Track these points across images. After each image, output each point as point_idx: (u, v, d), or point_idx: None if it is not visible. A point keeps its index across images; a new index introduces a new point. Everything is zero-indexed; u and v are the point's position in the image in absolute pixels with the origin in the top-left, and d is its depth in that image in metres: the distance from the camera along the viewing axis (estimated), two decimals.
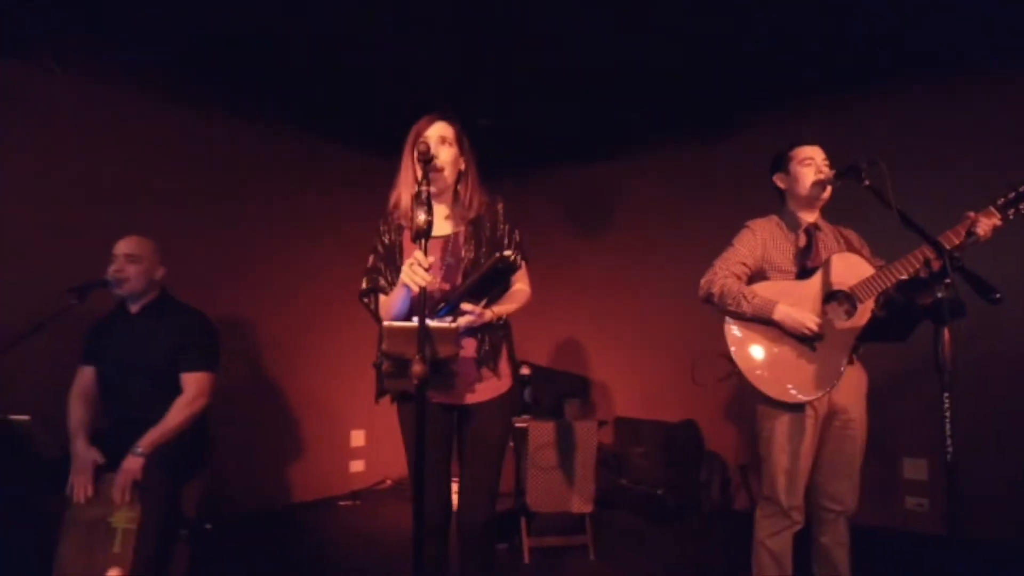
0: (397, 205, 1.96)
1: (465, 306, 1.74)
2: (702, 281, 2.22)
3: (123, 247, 2.56)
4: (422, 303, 1.56)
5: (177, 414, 2.45)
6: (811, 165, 2.17)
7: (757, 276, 2.21)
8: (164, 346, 2.51)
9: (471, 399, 1.88)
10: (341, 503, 4.41)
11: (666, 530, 3.73)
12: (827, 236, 2.21)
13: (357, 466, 4.77)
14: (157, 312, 2.60)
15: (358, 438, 4.79)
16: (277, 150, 4.36)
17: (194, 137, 3.89)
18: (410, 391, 1.56)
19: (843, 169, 2.00)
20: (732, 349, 2.10)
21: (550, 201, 5.29)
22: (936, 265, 1.72)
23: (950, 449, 1.58)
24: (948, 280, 1.59)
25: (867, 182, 1.86)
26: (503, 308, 1.90)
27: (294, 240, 4.42)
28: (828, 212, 2.28)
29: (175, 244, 2.90)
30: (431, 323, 1.63)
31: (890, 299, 1.62)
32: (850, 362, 2.08)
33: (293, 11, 3.07)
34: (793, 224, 2.23)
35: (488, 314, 1.81)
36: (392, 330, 1.61)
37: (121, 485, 2.26)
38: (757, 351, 2.09)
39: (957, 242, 1.88)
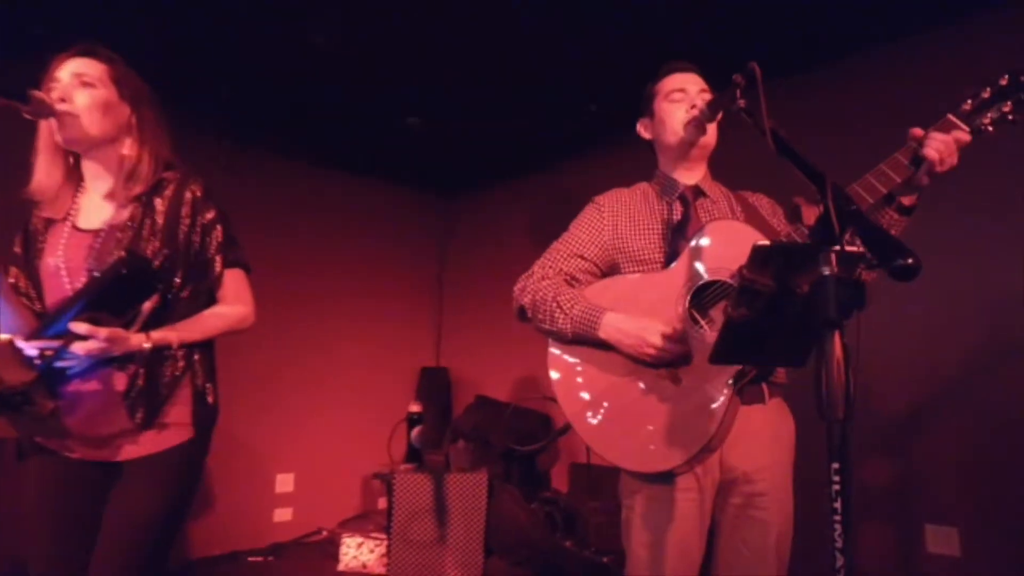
0: (38, 190, 1.40)
1: (77, 326, 1.14)
2: (515, 288, 1.53)
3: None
4: None
5: None
6: (681, 100, 1.46)
7: (612, 273, 1.50)
8: None
9: (124, 455, 1.25)
10: (251, 559, 3.78)
11: None
12: (716, 204, 1.48)
13: (283, 515, 4.14)
14: None
15: (285, 483, 4.18)
16: None
17: None
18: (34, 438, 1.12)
19: (717, 97, 1.30)
20: (555, 387, 1.39)
21: (513, 212, 4.64)
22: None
23: (839, 548, 0.82)
24: (839, 246, 0.85)
25: (742, 102, 1.14)
26: (178, 334, 1.33)
27: None
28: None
29: None
30: None
31: (748, 286, 0.89)
32: (755, 398, 1.33)
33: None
34: (665, 190, 1.51)
35: (136, 340, 1.23)
36: None
37: None
38: (589, 390, 1.38)
39: (898, 180, 1.14)
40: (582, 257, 1.52)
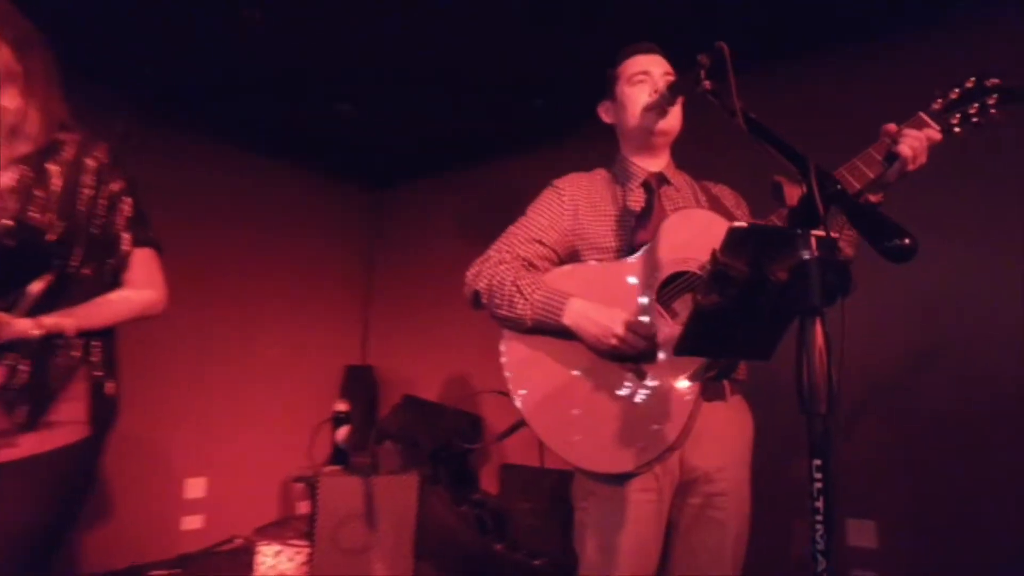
0: None
1: None
2: (468, 274, 1.43)
3: None
4: None
5: None
6: (644, 82, 1.40)
7: (571, 261, 1.42)
8: None
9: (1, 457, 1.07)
10: (155, 572, 3.49)
11: None
12: (680, 193, 1.43)
13: (192, 523, 3.84)
14: None
15: (196, 488, 3.88)
16: None
17: None
18: None
19: (679, 79, 1.25)
20: (509, 381, 1.30)
21: (447, 207, 4.52)
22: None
23: (821, 551, 0.77)
24: (822, 228, 0.80)
25: (707, 84, 1.09)
26: (75, 320, 1.16)
27: None
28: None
29: None
30: None
31: (721, 271, 0.83)
32: (716, 395, 1.28)
33: None
34: (627, 177, 1.45)
35: (22, 326, 1.08)
36: None
37: None
38: (546, 384, 1.29)
39: (871, 176, 1.11)
40: (541, 243, 1.44)
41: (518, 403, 1.31)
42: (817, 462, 0.75)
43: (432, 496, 3.05)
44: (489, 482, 3.82)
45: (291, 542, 3.01)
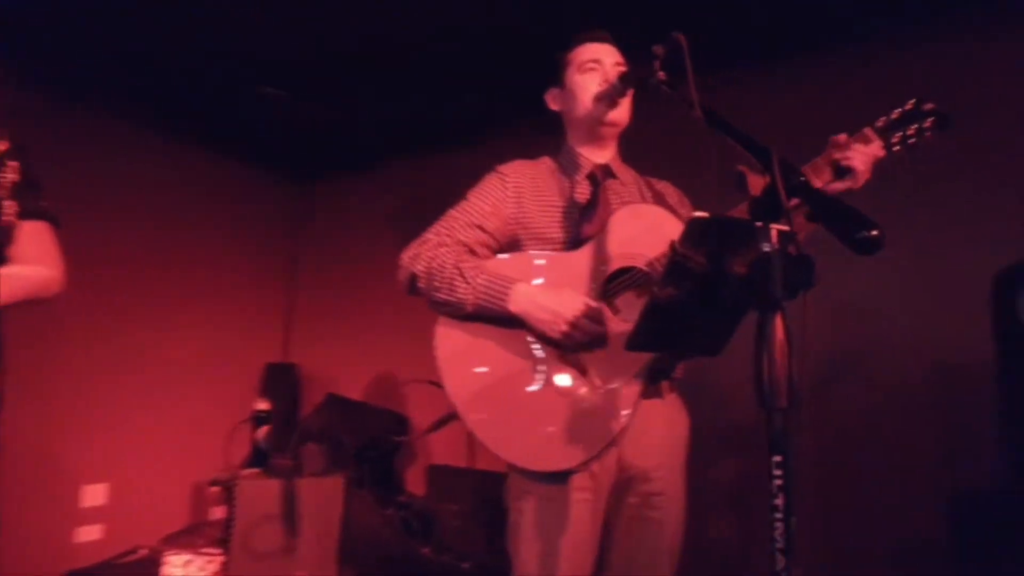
0: None
1: None
2: (403, 256, 1.36)
3: None
4: None
5: None
6: (595, 70, 1.38)
7: (511, 250, 1.38)
8: None
9: None
10: None
11: None
12: (626, 188, 1.41)
13: (89, 533, 3.54)
14: None
15: (94, 495, 3.58)
16: None
17: None
18: None
19: (631, 69, 1.23)
20: (443, 371, 1.24)
21: (377, 201, 4.38)
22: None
23: (780, 549, 0.76)
24: (785, 222, 0.79)
25: (661, 75, 1.07)
26: None
27: None
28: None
29: None
30: None
31: (679, 264, 0.81)
32: (654, 393, 1.27)
33: None
34: (573, 167, 1.42)
35: None
36: None
37: None
38: (483, 376, 1.25)
39: (819, 185, 1.12)
40: (482, 229, 1.38)
41: (451, 395, 1.25)
42: (777, 458, 0.73)
43: (357, 498, 2.94)
44: (415, 483, 3.73)
45: (203, 550, 2.83)
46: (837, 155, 1.17)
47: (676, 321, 0.94)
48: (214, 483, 2.45)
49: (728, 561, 2.81)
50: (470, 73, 3.27)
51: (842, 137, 1.19)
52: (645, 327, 0.95)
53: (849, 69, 2.77)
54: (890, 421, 2.55)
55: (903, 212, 2.50)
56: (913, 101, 1.21)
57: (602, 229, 1.30)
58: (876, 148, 1.18)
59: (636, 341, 0.98)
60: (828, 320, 2.64)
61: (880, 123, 1.21)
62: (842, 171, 1.15)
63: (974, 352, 2.12)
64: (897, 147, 1.19)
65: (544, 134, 1.56)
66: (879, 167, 1.19)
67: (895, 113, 1.20)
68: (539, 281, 1.27)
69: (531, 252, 1.35)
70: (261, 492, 2.32)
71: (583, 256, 1.30)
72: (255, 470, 2.65)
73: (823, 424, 2.56)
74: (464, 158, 4.26)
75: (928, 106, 1.21)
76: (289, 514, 2.32)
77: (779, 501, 0.73)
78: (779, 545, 0.73)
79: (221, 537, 2.32)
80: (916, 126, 1.20)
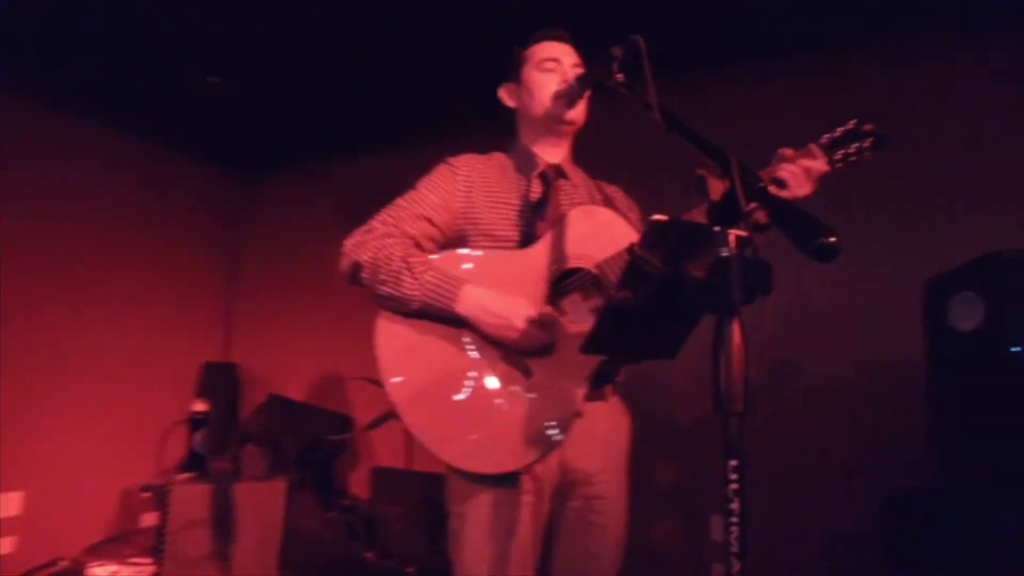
0: None
1: None
2: (347, 243, 1.32)
3: None
4: None
5: None
6: (554, 70, 1.37)
7: (458, 246, 1.35)
8: None
9: None
10: None
11: None
12: (577, 190, 1.41)
13: (3, 545, 3.32)
14: None
15: (8, 505, 3.35)
16: None
17: None
18: None
19: (590, 71, 1.23)
20: (382, 368, 1.20)
21: (323, 197, 4.26)
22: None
23: (735, 553, 0.76)
24: (744, 228, 0.79)
25: (619, 77, 1.07)
26: None
27: None
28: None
29: None
30: None
31: (636, 267, 0.81)
32: (597, 396, 1.26)
33: None
34: (525, 165, 1.41)
35: None
36: None
37: None
38: (425, 375, 1.22)
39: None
40: (430, 221, 1.34)
41: (391, 393, 1.21)
42: (733, 463, 0.73)
43: (299, 502, 2.85)
44: (359, 486, 3.65)
45: (131, 560, 2.69)
46: (778, 167, 1.20)
47: (633, 324, 0.94)
48: (145, 489, 2.32)
49: (670, 562, 2.86)
50: (418, 70, 3.23)
51: (789, 151, 1.22)
52: (601, 330, 0.94)
53: (808, 78, 2.85)
54: (824, 421, 2.64)
55: (840, 222, 2.59)
56: (854, 121, 1.25)
57: (551, 229, 1.29)
58: (821, 164, 1.21)
59: (592, 344, 0.97)
60: (767, 322, 2.70)
61: (824, 140, 1.24)
62: (778, 182, 1.17)
63: (905, 355, 2.21)
64: (839, 163, 1.23)
65: (495, 134, 1.54)
66: (823, 181, 1.24)
67: (838, 131, 1.25)
68: (485, 279, 1.25)
69: (479, 250, 1.32)
70: (196, 497, 2.22)
71: (531, 255, 1.28)
72: (191, 475, 2.53)
73: (757, 424, 2.61)
74: (411, 157, 4.20)
75: (867, 127, 1.25)
76: (226, 520, 2.22)
77: (735, 506, 0.73)
78: (734, 549, 0.73)
79: (152, 546, 2.20)
80: (857, 145, 1.24)
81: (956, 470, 1.90)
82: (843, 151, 1.23)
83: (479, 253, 1.32)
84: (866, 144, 1.25)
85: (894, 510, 2.07)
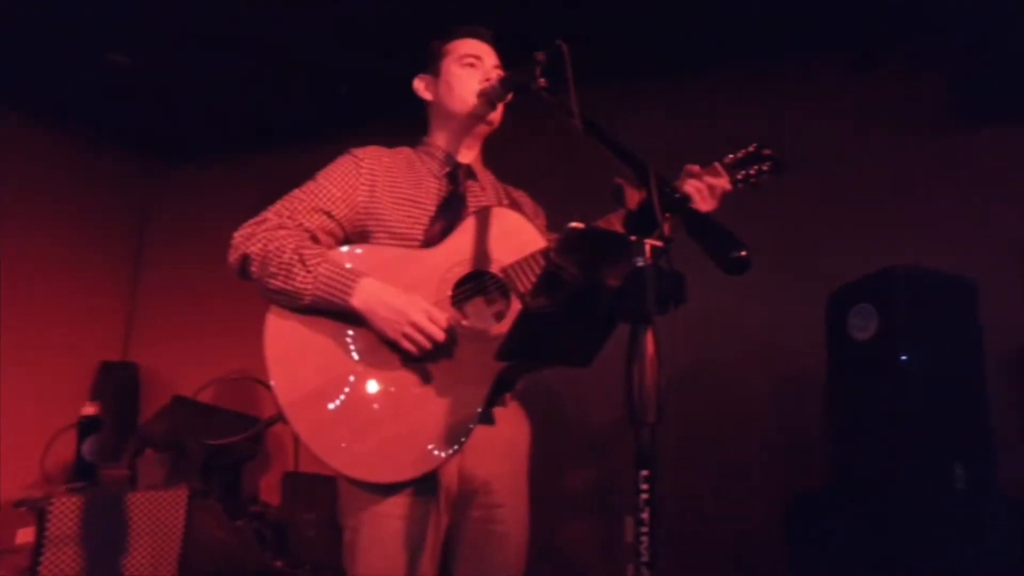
0: None
1: None
2: (236, 235, 1.26)
3: None
4: None
5: None
6: (475, 66, 1.35)
7: (357, 242, 1.30)
8: None
9: None
10: None
11: None
12: (484, 192, 1.39)
13: None
14: None
15: None
16: None
17: None
18: None
19: (512, 74, 1.22)
20: (271, 367, 1.15)
21: (237, 192, 4.03)
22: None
23: (645, 562, 0.76)
24: (658, 238, 0.80)
25: (542, 81, 1.06)
26: None
27: None
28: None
29: None
30: None
31: (553, 274, 0.80)
32: (498, 403, 1.24)
33: None
34: (433, 162, 1.38)
35: None
36: None
37: None
38: (316, 376, 1.16)
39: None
40: (328, 215, 1.28)
41: (278, 393, 1.14)
42: (644, 473, 0.73)
43: (203, 511, 2.69)
44: (270, 492, 3.50)
45: None
46: (684, 181, 1.23)
47: (548, 331, 0.93)
48: (20, 504, 2.11)
49: (588, 562, 2.89)
50: (336, 66, 3.14)
51: (695, 167, 1.25)
52: (516, 336, 0.93)
53: (729, 93, 2.96)
54: (730, 426, 2.74)
55: (750, 238, 2.70)
56: (755, 145, 1.31)
57: (457, 230, 1.26)
58: (724, 182, 1.25)
59: (509, 350, 0.95)
60: (678, 330, 2.79)
61: (728, 160, 1.28)
62: (684, 196, 1.20)
63: (807, 362, 2.32)
64: (740, 183, 1.28)
65: (412, 132, 1.50)
66: (726, 199, 1.28)
67: (740, 153, 1.29)
68: (385, 278, 1.20)
69: (380, 246, 1.27)
70: (83, 510, 2.04)
71: (434, 256, 1.25)
72: (79, 484, 2.33)
73: (665, 428, 2.68)
74: (324, 153, 4.06)
75: (767, 151, 1.31)
76: (118, 534, 2.06)
77: (645, 515, 0.73)
78: (644, 559, 0.72)
79: (28, 566, 2.00)
80: (757, 167, 1.30)
81: (851, 470, 2.02)
82: (744, 172, 1.28)
83: (380, 250, 1.27)
84: (765, 167, 1.30)
85: (796, 510, 2.17)
